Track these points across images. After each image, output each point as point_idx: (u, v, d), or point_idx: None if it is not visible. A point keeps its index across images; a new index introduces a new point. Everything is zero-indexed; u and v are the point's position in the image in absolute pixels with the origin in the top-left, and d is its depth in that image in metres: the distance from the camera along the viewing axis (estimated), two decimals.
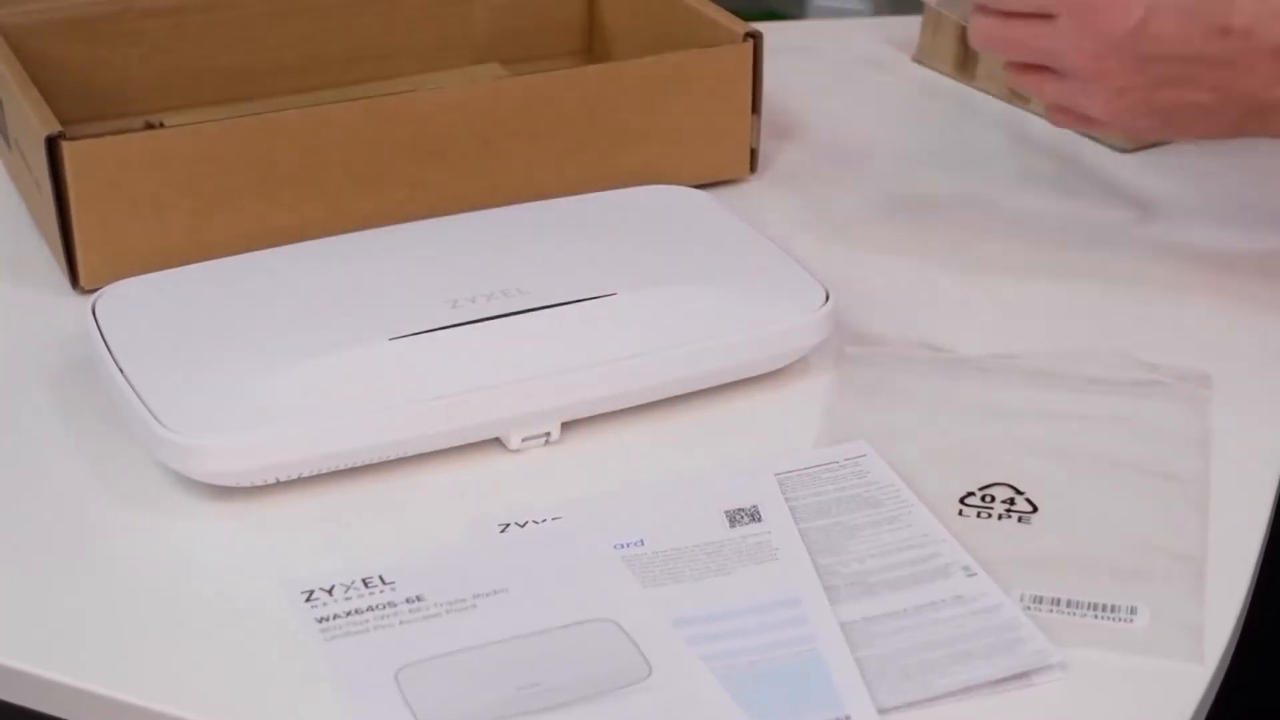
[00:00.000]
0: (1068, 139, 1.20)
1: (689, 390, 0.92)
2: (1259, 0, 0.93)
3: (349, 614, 0.79)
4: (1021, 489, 0.87)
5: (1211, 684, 0.77)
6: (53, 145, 0.98)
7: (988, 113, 1.26)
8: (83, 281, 1.01)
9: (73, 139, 0.98)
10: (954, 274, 1.05)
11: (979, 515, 0.85)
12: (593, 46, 1.29)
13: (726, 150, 1.14)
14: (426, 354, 0.88)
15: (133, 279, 0.95)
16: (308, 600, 0.80)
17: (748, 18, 1.14)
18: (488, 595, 0.80)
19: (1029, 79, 1.00)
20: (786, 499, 0.85)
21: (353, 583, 0.81)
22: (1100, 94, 0.96)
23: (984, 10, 0.99)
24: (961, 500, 0.86)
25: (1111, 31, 0.94)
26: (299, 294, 0.93)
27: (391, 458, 0.87)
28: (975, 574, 0.81)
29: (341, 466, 0.86)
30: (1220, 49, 0.93)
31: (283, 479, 0.86)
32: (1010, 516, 0.85)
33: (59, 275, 1.03)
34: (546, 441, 0.90)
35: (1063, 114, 1.01)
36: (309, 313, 0.91)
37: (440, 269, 0.94)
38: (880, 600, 0.80)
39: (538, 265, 0.94)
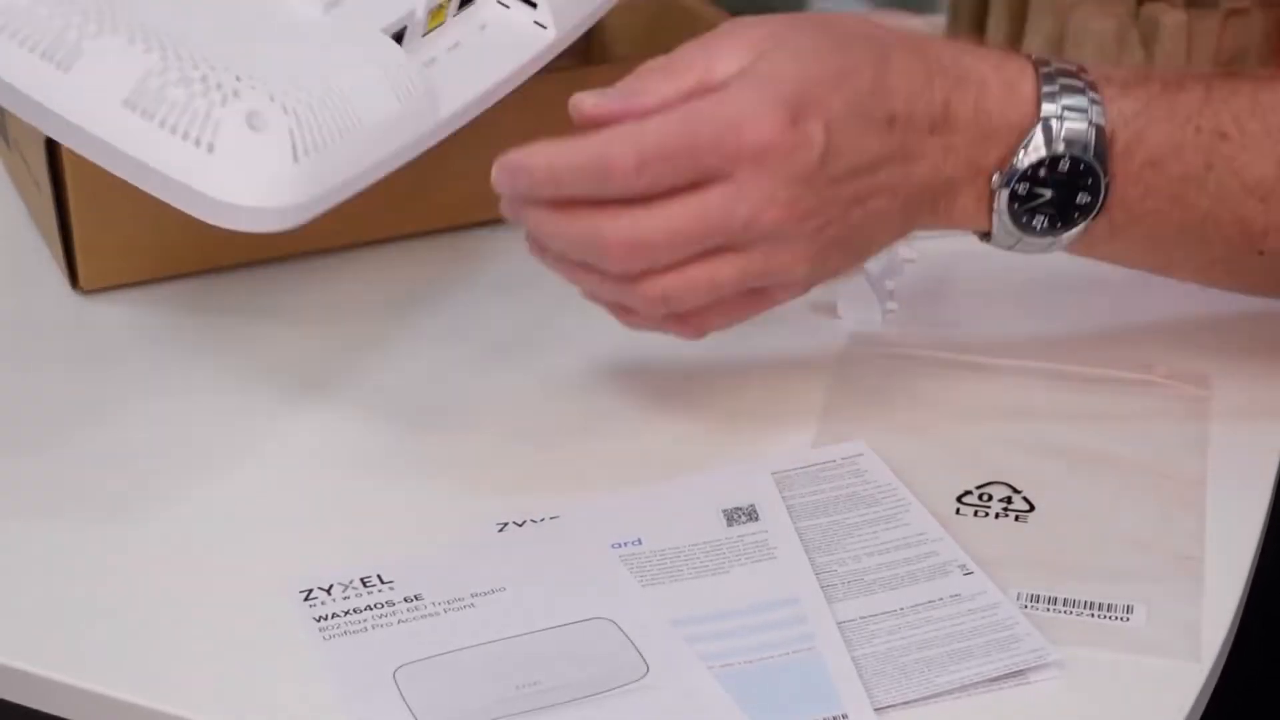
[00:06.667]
0: None
1: None
2: (905, 76, 0.82)
3: (347, 613, 0.79)
4: (1019, 487, 0.87)
5: (1208, 682, 0.77)
6: (52, 145, 0.98)
7: None
8: (82, 282, 1.01)
9: None
10: (954, 274, 1.05)
11: (976, 514, 0.85)
12: (591, 47, 1.28)
13: None
14: None
15: None
16: (306, 599, 0.80)
17: None
18: (485, 594, 0.80)
19: (703, 279, 0.81)
20: (784, 498, 0.85)
21: (351, 582, 0.81)
22: (800, 244, 0.81)
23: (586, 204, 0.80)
24: (959, 499, 0.86)
25: (804, 166, 0.80)
26: None
27: None
28: (972, 573, 0.81)
29: None
30: (888, 144, 0.82)
31: None
32: (1007, 515, 0.85)
33: (59, 275, 1.03)
34: None
35: (750, 304, 0.84)
36: None
37: None
38: (877, 599, 0.80)
39: None
